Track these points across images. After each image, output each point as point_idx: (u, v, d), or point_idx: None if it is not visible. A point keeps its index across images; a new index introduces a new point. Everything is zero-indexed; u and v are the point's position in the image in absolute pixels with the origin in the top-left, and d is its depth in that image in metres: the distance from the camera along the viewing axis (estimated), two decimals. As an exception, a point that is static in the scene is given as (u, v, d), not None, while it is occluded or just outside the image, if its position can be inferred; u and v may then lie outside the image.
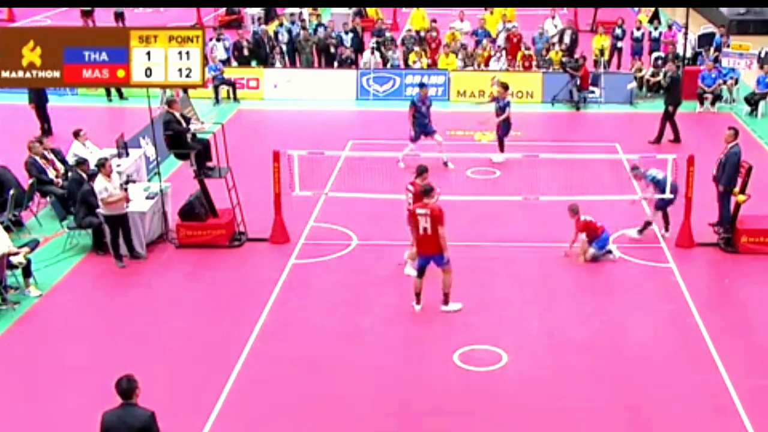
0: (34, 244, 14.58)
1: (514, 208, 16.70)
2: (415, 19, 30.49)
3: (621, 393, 11.52)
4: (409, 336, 12.90)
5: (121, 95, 24.99)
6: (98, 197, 14.78)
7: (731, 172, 15.25)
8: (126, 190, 15.13)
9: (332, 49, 26.61)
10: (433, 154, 18.84)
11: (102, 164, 14.87)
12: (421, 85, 20.27)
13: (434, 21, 28.39)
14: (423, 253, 13.21)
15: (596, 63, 26.05)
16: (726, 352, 12.32)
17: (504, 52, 26.02)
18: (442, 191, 14.25)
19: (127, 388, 8.44)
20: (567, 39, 26.85)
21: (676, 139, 21.21)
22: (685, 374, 11.92)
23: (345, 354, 12.44)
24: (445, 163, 19.34)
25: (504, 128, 19.70)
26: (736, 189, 15.25)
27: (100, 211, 14.95)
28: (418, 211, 13.03)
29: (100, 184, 14.77)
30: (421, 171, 14.18)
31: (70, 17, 32.63)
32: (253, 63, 26.43)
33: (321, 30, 27.47)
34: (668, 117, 21.31)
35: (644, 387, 11.62)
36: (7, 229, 15.05)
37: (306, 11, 30.82)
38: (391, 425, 10.92)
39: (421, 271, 13.34)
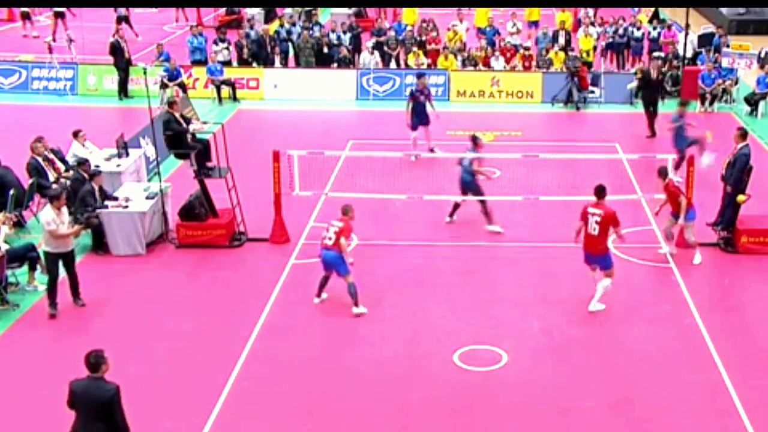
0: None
1: (514, 208, 16.71)
2: (407, 14, 30.48)
3: (620, 393, 11.52)
4: (409, 336, 12.90)
5: (126, 94, 24.98)
6: (44, 228, 13.27)
7: (739, 174, 15.23)
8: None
9: (326, 49, 26.57)
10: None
11: (57, 196, 13.34)
12: (419, 75, 20.65)
13: (424, 21, 28.36)
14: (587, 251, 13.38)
15: (585, 64, 26.01)
16: (726, 352, 12.33)
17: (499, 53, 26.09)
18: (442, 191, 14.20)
19: (94, 363, 8.81)
20: (561, 40, 26.91)
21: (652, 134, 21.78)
22: (685, 374, 11.92)
23: (345, 354, 12.45)
24: (432, 149, 19.67)
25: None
26: (741, 197, 15.20)
27: (43, 246, 13.52)
28: (590, 210, 13.14)
29: (47, 215, 13.22)
30: (346, 211, 13.63)
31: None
32: (255, 64, 26.42)
33: (316, 29, 27.43)
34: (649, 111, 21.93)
35: (644, 387, 11.62)
36: (17, 224, 15.26)
37: (318, 11, 30.74)
38: (391, 425, 10.92)
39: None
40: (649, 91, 22.08)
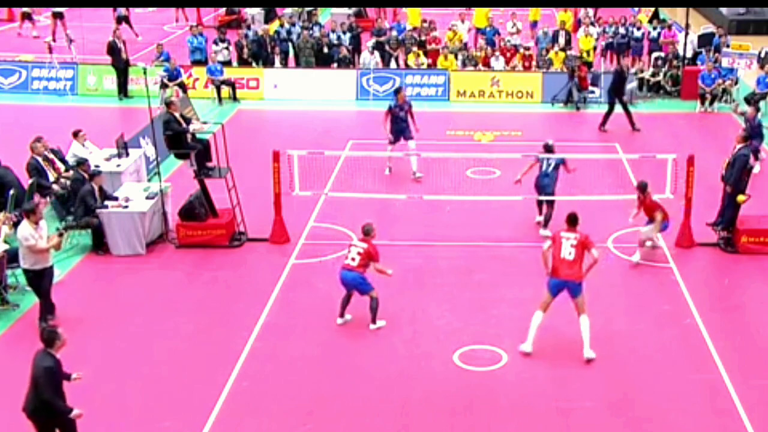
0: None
1: (514, 207, 16.70)
2: (412, 15, 30.40)
3: (620, 393, 11.52)
4: (409, 336, 12.90)
5: (125, 94, 24.98)
6: (22, 244, 12.74)
7: (739, 174, 15.22)
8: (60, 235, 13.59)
9: (326, 49, 26.58)
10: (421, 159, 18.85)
11: (32, 210, 12.88)
12: (397, 90, 19.35)
13: (425, 21, 28.35)
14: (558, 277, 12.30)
15: (585, 64, 26.02)
16: (726, 352, 12.33)
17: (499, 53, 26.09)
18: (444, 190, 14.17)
19: (47, 338, 9.41)
20: (561, 40, 26.92)
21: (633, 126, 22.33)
22: (685, 374, 11.92)
23: (345, 354, 12.45)
24: (414, 173, 18.60)
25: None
26: (741, 197, 15.20)
27: (21, 264, 12.98)
28: (564, 235, 12.32)
29: (24, 230, 12.62)
30: (368, 231, 13.15)
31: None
32: (255, 64, 26.42)
33: (316, 29, 27.42)
34: (624, 107, 22.26)
35: (644, 387, 11.62)
36: (17, 224, 15.15)
37: (318, 11, 30.67)
38: (391, 425, 10.92)
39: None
40: (622, 87, 22.40)
